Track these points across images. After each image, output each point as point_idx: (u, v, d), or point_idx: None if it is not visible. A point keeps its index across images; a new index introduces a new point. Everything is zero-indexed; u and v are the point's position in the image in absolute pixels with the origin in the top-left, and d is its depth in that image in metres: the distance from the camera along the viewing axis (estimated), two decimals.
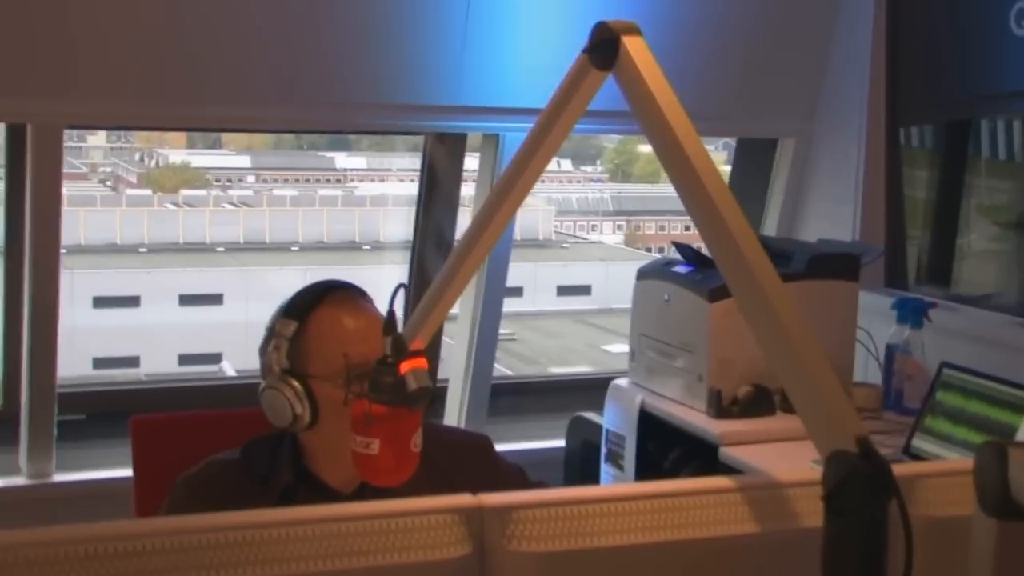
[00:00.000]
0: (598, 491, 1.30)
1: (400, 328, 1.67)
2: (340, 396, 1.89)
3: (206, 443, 2.21)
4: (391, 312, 1.68)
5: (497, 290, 3.57)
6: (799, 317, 1.27)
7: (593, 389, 3.63)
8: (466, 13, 3.16)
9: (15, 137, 3.09)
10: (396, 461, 1.68)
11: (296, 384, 1.92)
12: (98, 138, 8.31)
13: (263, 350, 1.98)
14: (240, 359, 7.40)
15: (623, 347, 7.53)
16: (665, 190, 8.78)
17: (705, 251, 3.12)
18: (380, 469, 1.68)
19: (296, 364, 1.94)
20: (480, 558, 1.24)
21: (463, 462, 2.05)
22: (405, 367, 1.64)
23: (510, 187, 1.55)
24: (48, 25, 2.82)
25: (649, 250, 8.73)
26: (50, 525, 1.15)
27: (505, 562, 1.24)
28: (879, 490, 1.17)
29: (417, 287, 3.59)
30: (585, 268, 8.81)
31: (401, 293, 1.71)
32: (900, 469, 1.24)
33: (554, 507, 1.25)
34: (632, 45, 1.39)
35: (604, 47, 1.41)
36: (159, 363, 7.54)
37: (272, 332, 1.97)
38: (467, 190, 3.68)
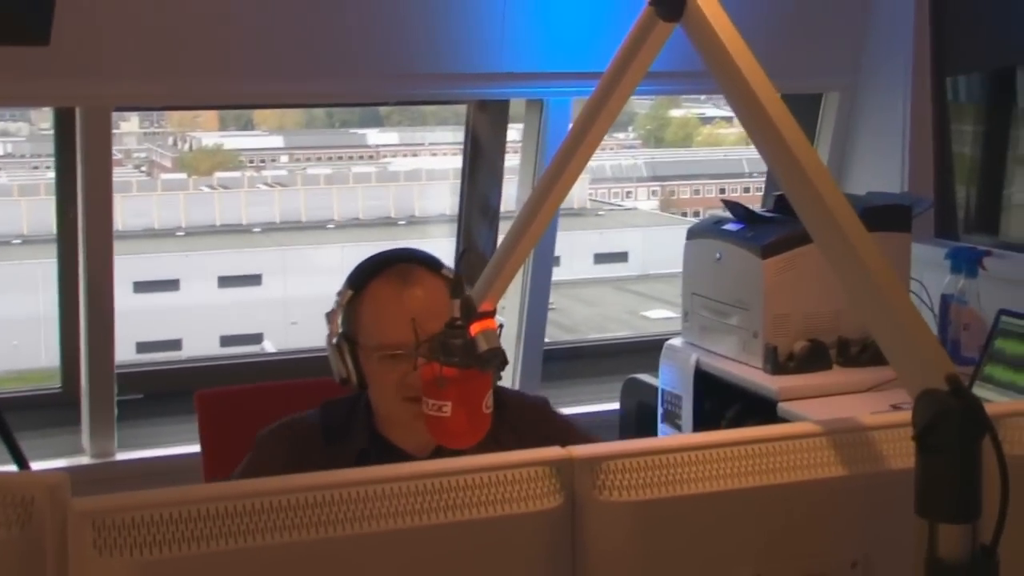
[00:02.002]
0: (686, 439, 1.30)
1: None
2: (381, 371, 1.97)
3: (269, 414, 2.24)
4: (458, 275, 1.69)
5: (545, 256, 3.58)
6: (880, 257, 1.27)
7: (643, 351, 3.65)
8: None
9: (64, 124, 3.12)
10: (469, 423, 1.68)
11: (346, 348, 1.98)
12: (131, 124, 8.33)
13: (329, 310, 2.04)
14: (280, 338, 7.44)
15: (663, 312, 7.53)
16: (697, 154, 8.74)
17: (754, 208, 3.12)
18: (453, 431, 1.68)
19: (349, 330, 2.00)
20: (571, 509, 1.25)
21: (525, 420, 2.07)
22: (475, 329, 1.65)
23: (577, 144, 1.55)
24: (89, 6, 2.83)
25: (684, 214, 8.70)
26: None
27: (596, 512, 1.24)
28: (972, 427, 1.17)
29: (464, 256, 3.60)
30: (621, 235, 8.79)
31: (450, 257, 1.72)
32: (990, 408, 1.23)
33: (643, 456, 1.25)
34: None
35: None
36: (201, 345, 7.58)
37: (337, 294, 2.03)
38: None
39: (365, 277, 2.00)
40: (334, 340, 1.99)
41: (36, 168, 7.82)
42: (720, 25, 1.37)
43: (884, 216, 3.03)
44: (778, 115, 1.33)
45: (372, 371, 1.98)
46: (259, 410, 2.42)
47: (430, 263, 2.02)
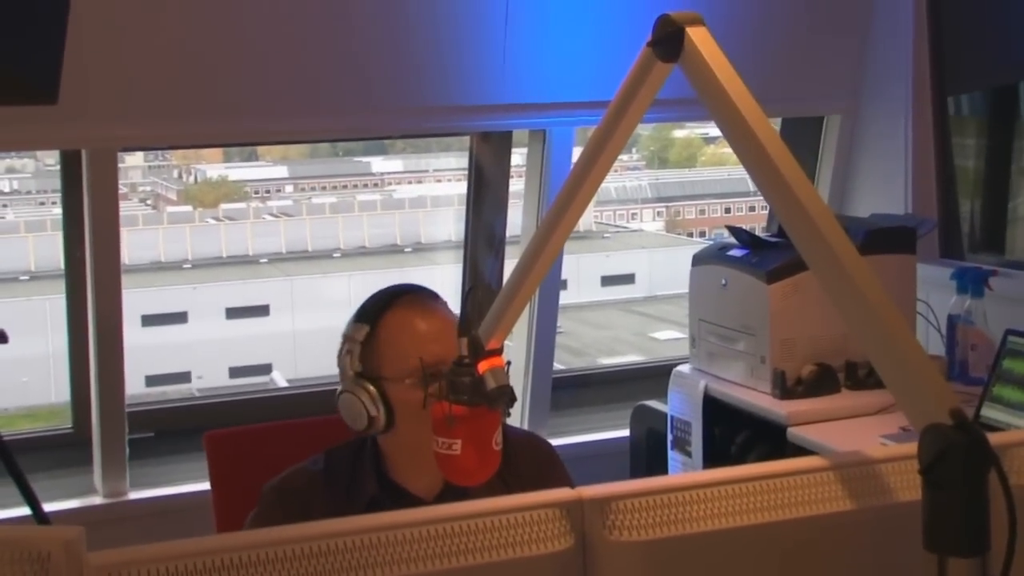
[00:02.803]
0: (694, 477, 1.31)
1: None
2: (415, 397, 1.91)
3: (280, 454, 2.25)
4: (465, 313, 1.70)
5: (552, 285, 3.59)
6: (882, 291, 1.28)
7: (652, 377, 3.65)
8: (506, 11, 3.18)
9: (69, 163, 3.14)
10: (479, 460, 1.69)
11: (371, 387, 1.95)
12: (135, 158, 8.36)
13: (339, 355, 2.01)
14: (290, 368, 7.44)
15: (671, 334, 7.52)
16: (702, 174, 8.75)
17: (759, 233, 3.13)
18: (463, 469, 1.69)
19: (369, 367, 1.97)
20: (582, 550, 1.26)
21: (532, 462, 2.08)
22: (483, 366, 1.66)
23: (580, 182, 1.57)
24: (96, 53, 2.85)
25: (691, 235, 8.70)
26: (129, 544, 1.17)
27: (607, 552, 1.25)
28: (977, 461, 1.17)
29: (471, 284, 3.61)
30: (628, 257, 8.80)
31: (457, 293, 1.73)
32: (994, 438, 1.24)
33: (652, 495, 1.26)
34: (697, 36, 1.40)
35: (669, 39, 1.41)
36: (210, 377, 7.59)
37: (346, 337, 2.00)
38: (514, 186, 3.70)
39: (378, 310, 1.99)
40: (353, 381, 1.96)
41: (43, 204, 7.85)
42: (717, 65, 1.38)
43: (888, 238, 3.04)
44: (775, 152, 1.34)
45: (405, 400, 1.94)
46: (269, 450, 2.43)
47: (435, 296, 2.06)
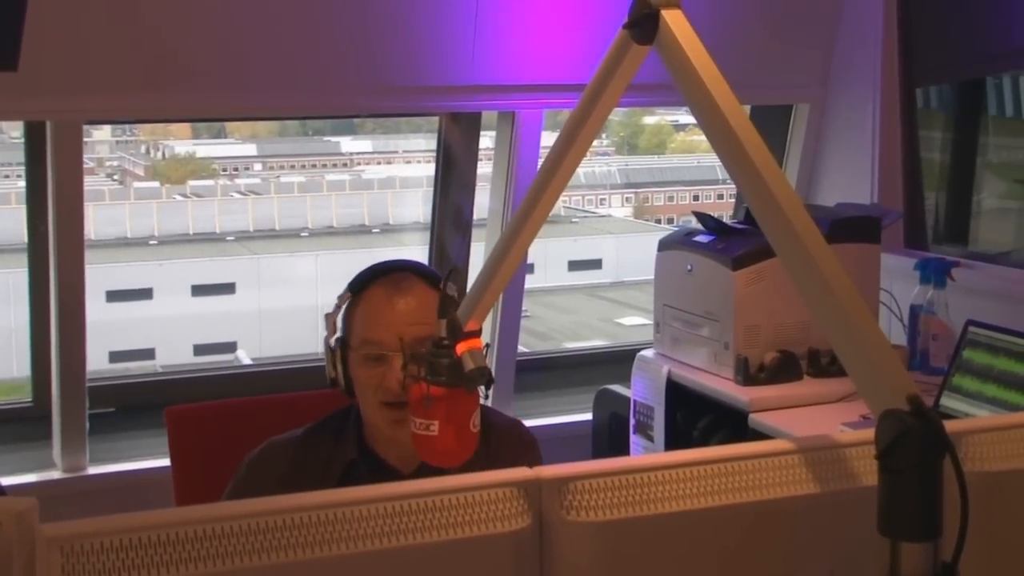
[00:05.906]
0: (653, 459, 1.31)
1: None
2: (363, 372, 1.99)
3: (242, 431, 2.25)
4: (445, 294, 1.70)
5: (518, 268, 3.59)
6: (847, 278, 1.28)
7: (616, 362, 3.66)
8: None
9: (34, 135, 3.11)
10: (456, 442, 1.68)
11: (338, 351, 2.01)
12: (103, 132, 8.28)
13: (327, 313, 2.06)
14: (255, 347, 7.41)
15: (637, 320, 7.54)
16: (671, 161, 8.76)
17: (726, 220, 3.14)
18: (440, 450, 1.68)
19: (344, 333, 2.04)
20: (539, 530, 1.25)
21: (508, 448, 2.09)
22: (461, 348, 1.66)
23: (557, 165, 1.56)
24: (61, 23, 2.82)
25: (659, 221, 8.71)
26: (92, 517, 1.15)
27: (564, 532, 1.25)
28: (932, 447, 1.18)
29: (437, 266, 3.60)
30: (595, 242, 8.80)
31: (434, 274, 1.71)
32: (951, 425, 1.25)
33: (610, 476, 1.26)
34: (672, 18, 1.39)
35: (644, 22, 1.41)
36: (174, 354, 7.54)
37: (336, 299, 2.05)
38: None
39: (364, 282, 2.04)
40: (330, 342, 2.02)
41: (7, 177, 7.77)
42: (691, 49, 1.38)
43: (854, 227, 3.06)
44: (747, 137, 1.34)
45: (356, 373, 2.01)
46: (231, 426, 2.43)
47: (427, 275, 2.06)
